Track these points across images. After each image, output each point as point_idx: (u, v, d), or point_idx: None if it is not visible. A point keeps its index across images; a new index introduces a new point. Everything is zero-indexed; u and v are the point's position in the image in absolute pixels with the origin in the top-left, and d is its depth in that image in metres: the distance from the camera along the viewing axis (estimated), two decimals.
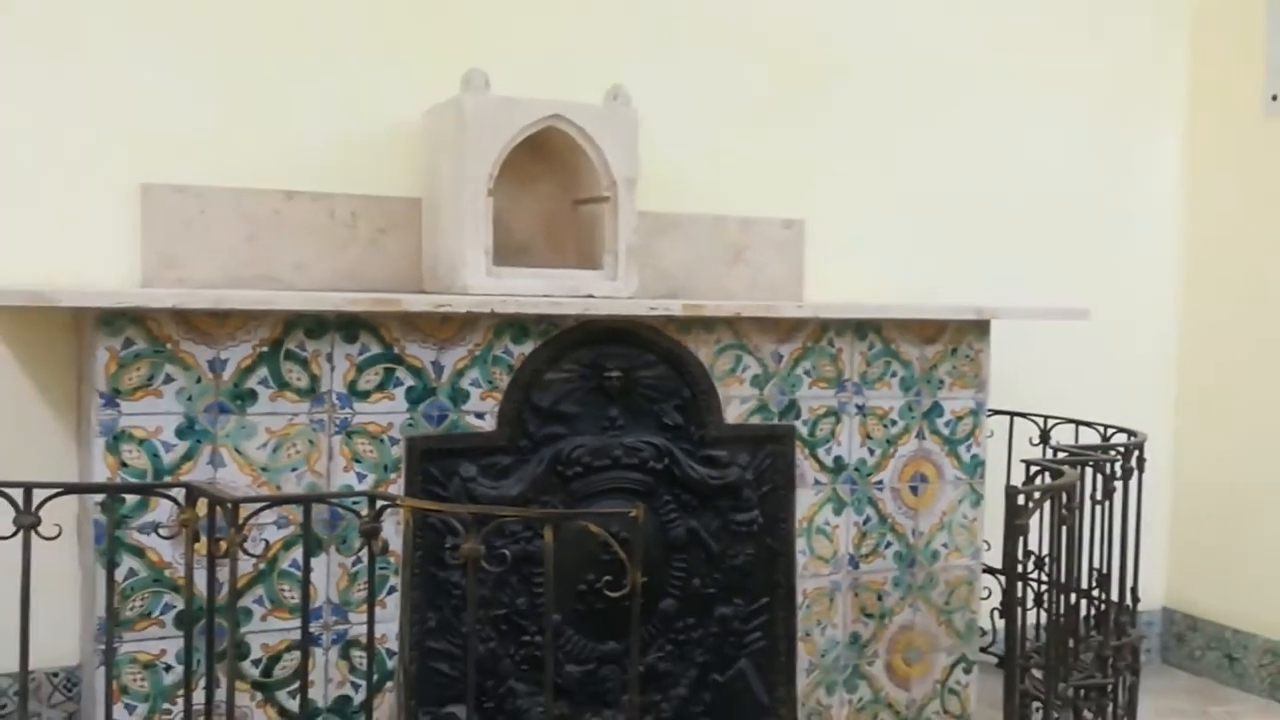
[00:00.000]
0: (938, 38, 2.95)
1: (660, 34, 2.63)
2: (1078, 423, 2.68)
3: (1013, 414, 2.78)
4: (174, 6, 2.23)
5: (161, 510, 1.86)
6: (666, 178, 2.54)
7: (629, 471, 2.22)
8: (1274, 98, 3.07)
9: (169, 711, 1.90)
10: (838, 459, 2.43)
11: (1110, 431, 2.60)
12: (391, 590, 2.04)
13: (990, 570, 2.63)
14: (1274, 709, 3.00)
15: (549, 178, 2.35)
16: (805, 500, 2.40)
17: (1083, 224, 3.15)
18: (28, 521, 1.62)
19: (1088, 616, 2.42)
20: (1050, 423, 2.72)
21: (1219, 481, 3.23)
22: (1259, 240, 3.13)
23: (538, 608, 2.14)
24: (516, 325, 2.12)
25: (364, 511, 1.73)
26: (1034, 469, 2.06)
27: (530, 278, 2.20)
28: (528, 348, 2.14)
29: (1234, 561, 3.19)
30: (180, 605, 1.86)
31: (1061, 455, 2.24)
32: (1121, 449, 2.38)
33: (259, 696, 1.97)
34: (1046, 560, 2.07)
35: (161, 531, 1.87)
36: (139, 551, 1.87)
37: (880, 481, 2.47)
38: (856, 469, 2.45)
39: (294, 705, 1.88)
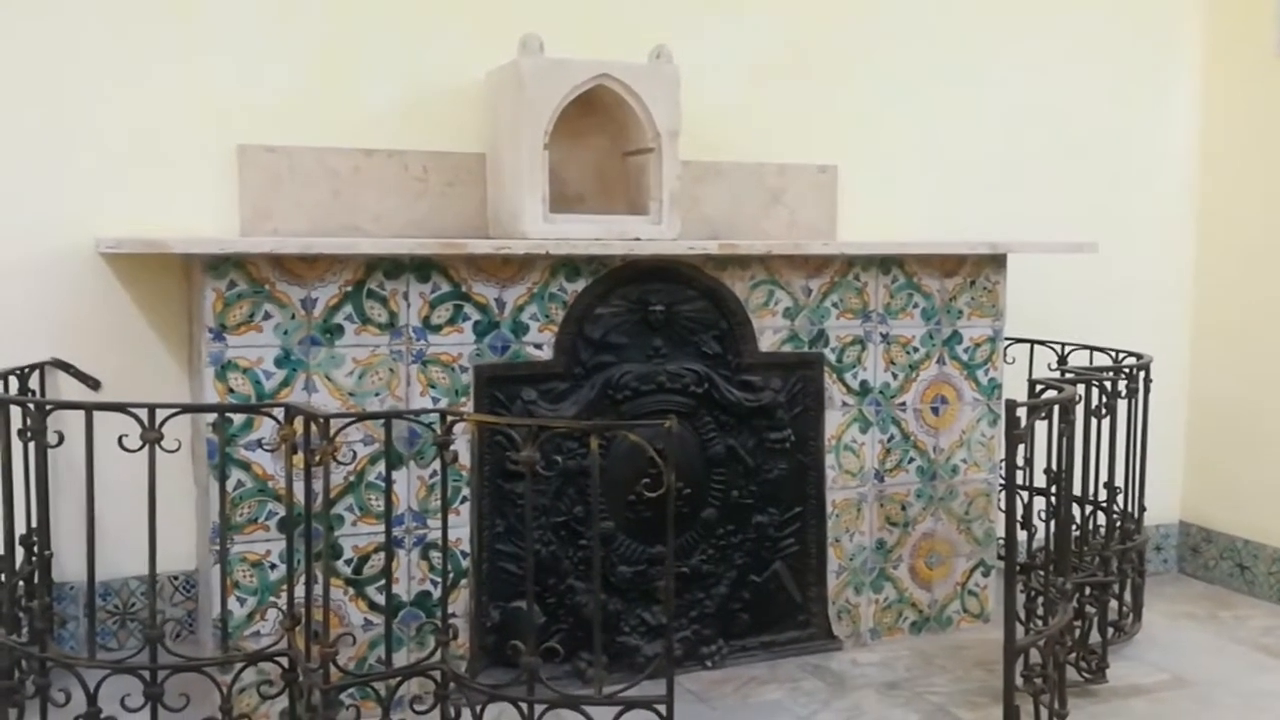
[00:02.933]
0: None
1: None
2: (1092, 348, 2.73)
3: (1032, 341, 2.84)
4: None
5: (264, 429, 2.02)
6: (708, 129, 2.61)
7: (672, 395, 2.32)
8: None
9: (274, 604, 2.06)
10: (863, 383, 2.51)
11: (1122, 356, 2.66)
12: (464, 499, 2.17)
13: (1006, 484, 2.70)
14: (1273, 611, 3.05)
15: (599, 132, 2.44)
16: (834, 420, 2.49)
17: (1103, 164, 3.15)
18: (153, 437, 1.79)
19: (1097, 526, 2.49)
20: (1067, 349, 2.78)
21: (1231, 403, 3.25)
22: (1271, 177, 3.13)
23: (585, 516, 2.26)
24: (570, 265, 2.23)
25: (437, 427, 1.89)
26: (1039, 387, 2.14)
27: (582, 223, 2.30)
28: (580, 285, 2.25)
29: (1246, 477, 3.22)
30: (282, 512, 2.02)
31: (1068, 375, 2.32)
32: (1122, 369, 2.44)
33: (351, 591, 2.12)
34: (1053, 470, 2.16)
35: (265, 446, 2.02)
36: (245, 465, 2.03)
37: (903, 403, 2.55)
38: (881, 392, 2.53)
39: (381, 599, 2.01)
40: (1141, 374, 2.52)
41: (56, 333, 2.25)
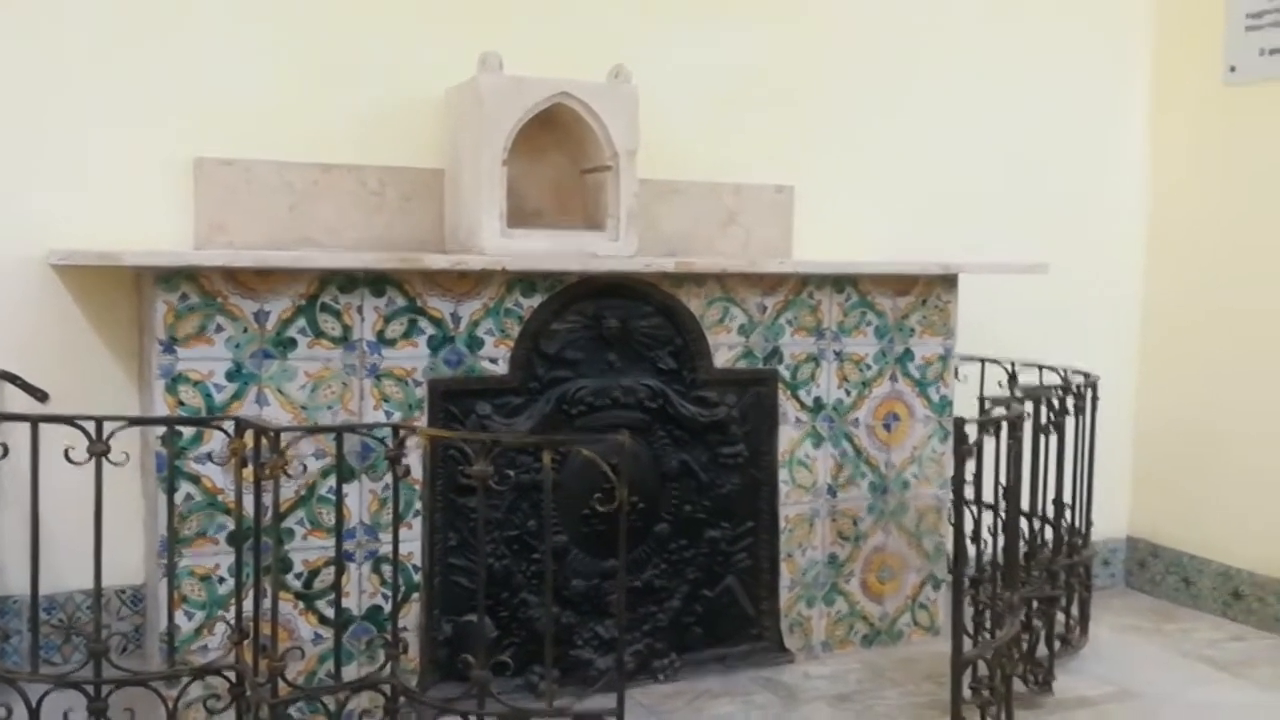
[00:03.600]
0: (914, 14, 2.98)
1: (659, 16, 2.68)
2: (1041, 366, 2.76)
3: (983, 359, 2.86)
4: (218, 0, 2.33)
5: (214, 442, 1.99)
6: (667, 148, 2.61)
7: (627, 410, 2.32)
8: (1232, 69, 3.11)
9: (222, 618, 2.02)
10: (817, 399, 2.52)
11: (1070, 374, 2.68)
12: (416, 513, 2.15)
13: (957, 499, 2.72)
14: (1223, 625, 3.08)
15: (558, 149, 2.43)
16: (787, 436, 2.50)
17: (1054, 186, 3.18)
18: (99, 450, 1.76)
19: (1045, 541, 2.51)
20: (1016, 366, 2.80)
21: (1178, 421, 3.29)
22: (1219, 201, 3.18)
23: (545, 529, 2.24)
24: (526, 281, 2.23)
25: (389, 441, 1.87)
26: (988, 404, 2.16)
27: (539, 239, 2.29)
28: (536, 301, 2.24)
29: (1192, 493, 3.26)
30: (231, 525, 1.99)
31: (1017, 393, 2.33)
32: (1070, 387, 2.46)
33: (301, 605, 2.09)
34: (1003, 486, 2.17)
35: (215, 460, 2.00)
36: (195, 479, 2.00)
37: (856, 419, 2.57)
38: (834, 408, 2.54)
39: (331, 613, 1.98)
40: (1089, 392, 2.54)
41: (4, 344, 2.21)
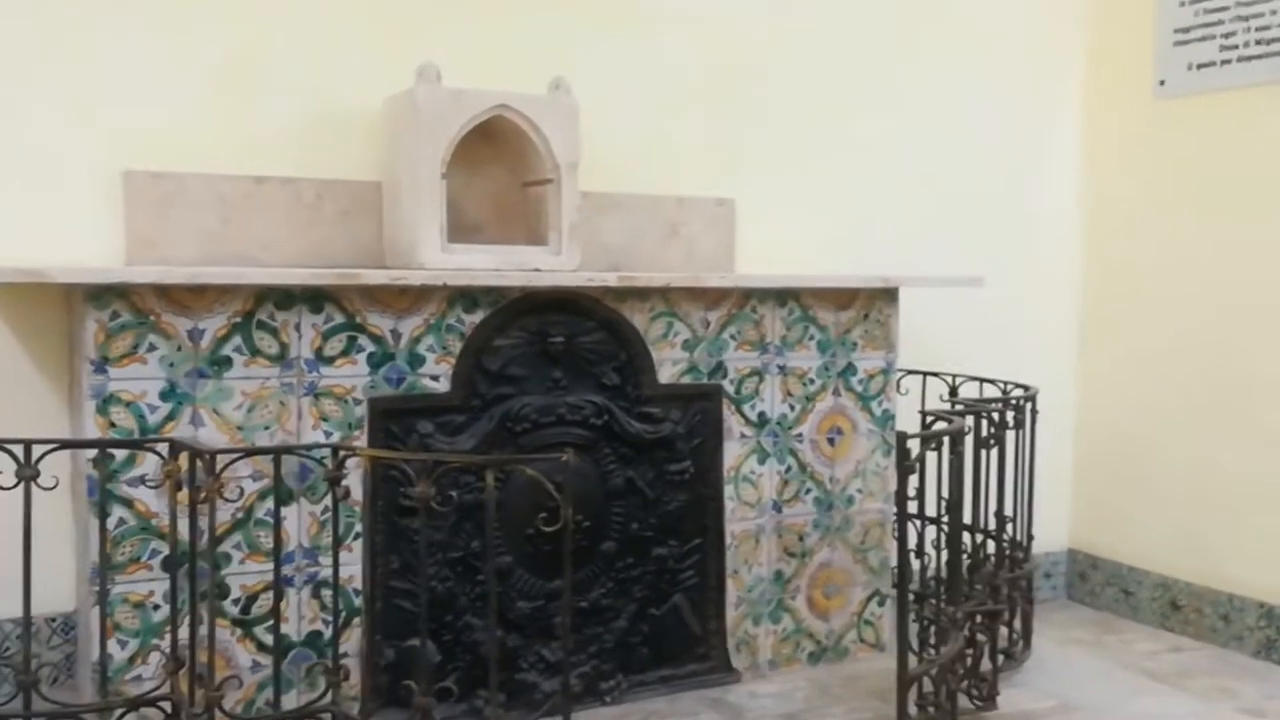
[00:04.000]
0: (853, 32, 3.02)
1: (601, 28, 2.69)
2: (982, 380, 2.81)
3: (924, 373, 2.92)
4: (149, 6, 2.29)
5: (147, 465, 1.96)
6: (609, 161, 2.63)
7: (572, 427, 2.33)
8: (1161, 83, 3.20)
9: (156, 646, 1.99)
10: (761, 414, 2.55)
11: (1010, 387, 2.74)
12: (356, 535, 2.13)
13: (901, 514, 2.76)
14: (1162, 636, 3.16)
15: (498, 162, 2.44)
16: (732, 451, 2.52)
17: (993, 202, 3.25)
18: (28, 474, 1.73)
19: (987, 555, 2.56)
20: (957, 380, 2.86)
21: (1117, 436, 3.37)
22: (1151, 214, 3.27)
23: (487, 550, 2.24)
24: (468, 296, 2.23)
25: (328, 462, 1.86)
26: (930, 418, 2.20)
27: (480, 253, 2.30)
28: (478, 317, 2.24)
29: (1130, 506, 3.33)
30: (166, 550, 1.96)
31: (958, 407, 2.38)
32: (1010, 400, 2.51)
33: (239, 632, 2.06)
34: (946, 501, 2.21)
35: (148, 483, 1.97)
36: (128, 502, 1.97)
37: (800, 434, 2.60)
38: (778, 423, 2.57)
39: (270, 639, 1.96)
40: (1028, 405, 2.60)
41: None
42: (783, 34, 2.94)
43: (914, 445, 1.96)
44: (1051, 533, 3.35)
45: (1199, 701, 2.62)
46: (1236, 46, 3.00)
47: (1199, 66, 3.10)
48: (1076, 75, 3.39)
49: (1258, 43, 2.96)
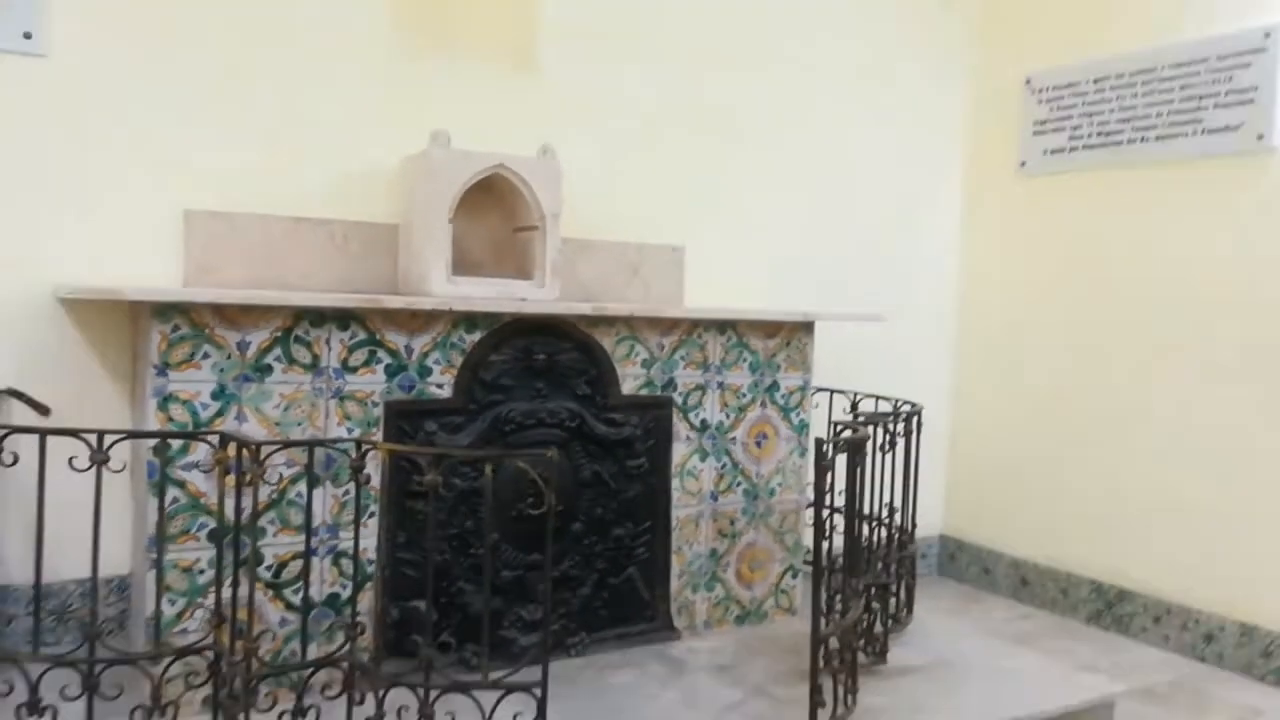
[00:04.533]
0: (783, 111, 3.07)
1: (581, 107, 2.71)
2: (877, 396, 2.85)
3: (832, 390, 2.95)
4: (216, 77, 2.27)
5: (199, 453, 1.93)
6: (585, 212, 2.64)
7: (550, 429, 2.32)
8: (1023, 163, 3.29)
9: (201, 604, 1.96)
10: (703, 421, 2.56)
11: (900, 403, 2.77)
12: (371, 514, 2.11)
13: (811, 504, 2.78)
14: (1015, 605, 3.22)
15: (495, 210, 2.44)
16: (679, 451, 2.52)
17: (895, 252, 3.31)
18: (101, 459, 1.69)
19: (880, 538, 2.59)
20: (858, 396, 2.90)
21: (981, 443, 3.44)
22: (1012, 267, 3.35)
23: (480, 528, 2.23)
24: (468, 319, 2.21)
25: (352, 454, 1.84)
26: (839, 427, 2.22)
27: (479, 285, 2.29)
28: (476, 336, 2.23)
29: (991, 501, 3.40)
30: (212, 524, 1.93)
31: (860, 419, 2.41)
32: (901, 414, 2.55)
33: (270, 594, 2.04)
34: (848, 493, 2.23)
35: (201, 468, 1.93)
36: (181, 484, 1.94)
37: (734, 438, 2.61)
38: (717, 429, 2.58)
39: (297, 600, 1.94)
40: (915, 418, 2.64)
41: (14, 367, 2.11)
42: (720, 109, 2.97)
43: (829, 450, 1.98)
44: (928, 521, 3.41)
45: (1045, 658, 2.67)
46: (1082, 137, 3.09)
47: (1052, 152, 3.19)
48: (958, 153, 3.46)
49: (1098, 134, 3.05)
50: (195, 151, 2.26)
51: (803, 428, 2.72)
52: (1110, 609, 3.02)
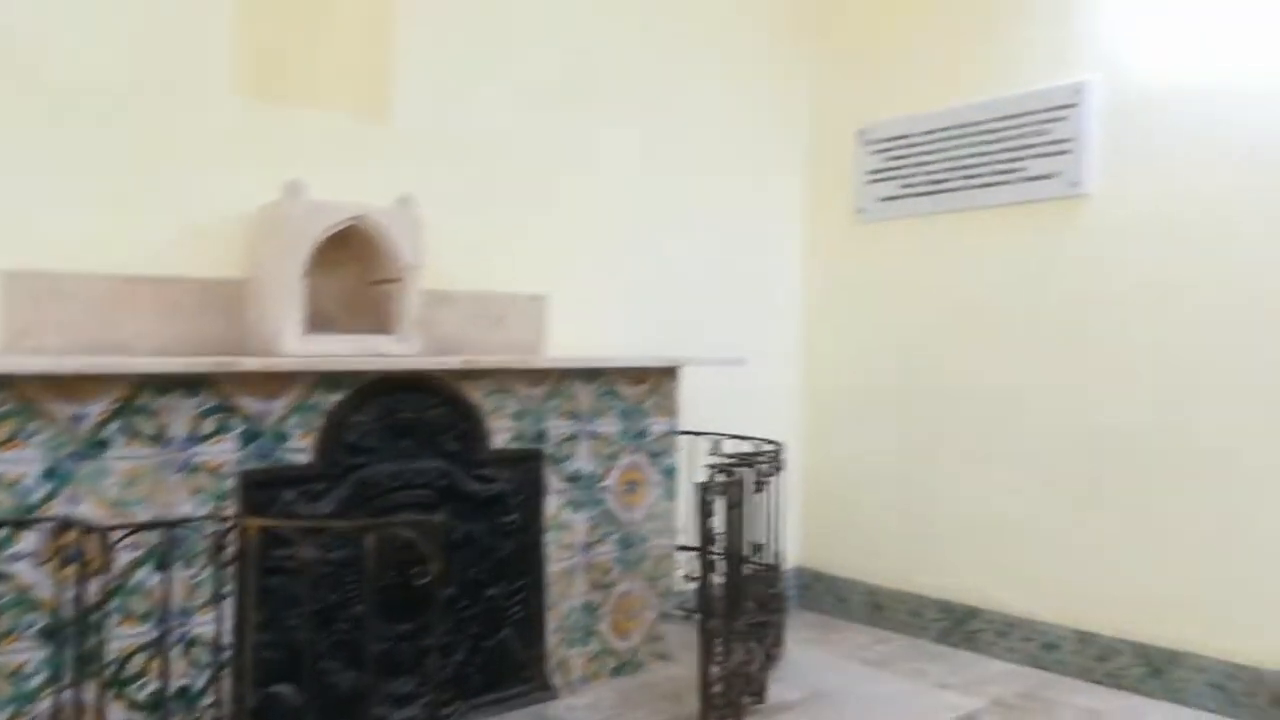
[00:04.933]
0: (635, 172, 3.09)
1: (437, 155, 2.63)
2: (737, 437, 2.88)
3: (694, 433, 2.96)
4: (43, 128, 2.06)
5: (26, 541, 1.71)
6: (444, 264, 2.55)
7: (418, 489, 2.22)
8: (859, 210, 3.45)
9: (29, 712, 1.73)
10: (575, 472, 2.52)
11: (762, 442, 2.82)
12: (225, 596, 1.94)
13: (681, 547, 2.79)
14: (869, 631, 3.32)
15: (351, 263, 2.32)
16: (552, 504, 2.47)
17: (744, 298, 3.39)
18: None
19: (750, 576, 2.61)
20: (720, 439, 2.92)
21: (832, 480, 3.55)
22: (853, 306, 3.50)
23: (345, 602, 2.09)
24: (328, 379, 2.09)
25: (210, 532, 1.68)
26: (714, 470, 2.23)
27: (335, 342, 2.17)
28: (337, 396, 2.11)
29: (843, 533, 3.51)
30: (42, 621, 1.72)
31: (733, 461, 2.43)
32: (771, 454, 2.60)
33: (112, 693, 1.82)
34: (721, 536, 2.23)
35: (32, 559, 1.71)
36: (6, 577, 1.71)
37: (605, 486, 2.58)
38: (588, 478, 2.55)
39: (143, 697, 1.75)
40: (779, 456, 2.69)
41: None
42: (582, 175, 2.96)
43: (709, 493, 1.98)
44: (786, 553, 3.47)
45: (904, 680, 2.77)
46: (913, 185, 3.28)
47: (885, 199, 3.36)
48: (800, 200, 3.60)
49: (928, 183, 3.25)
50: (18, 206, 2.03)
51: (671, 472, 2.72)
52: (959, 626, 3.17)
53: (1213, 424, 2.67)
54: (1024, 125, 2.96)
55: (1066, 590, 2.94)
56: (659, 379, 2.67)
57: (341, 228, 2.18)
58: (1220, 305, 2.66)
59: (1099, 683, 2.85)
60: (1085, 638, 2.90)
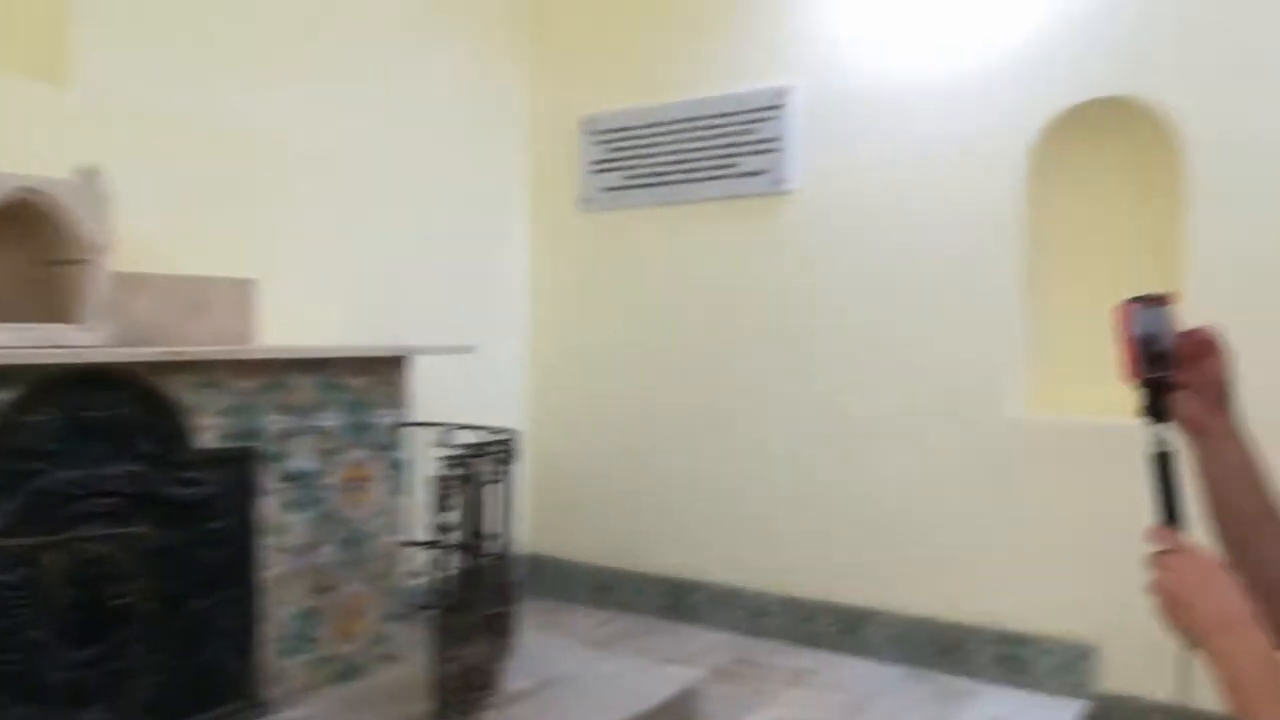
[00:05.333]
0: (363, 149, 2.96)
1: (128, 125, 2.38)
2: (466, 427, 2.83)
3: (423, 424, 2.88)
4: None
5: None
6: (139, 244, 2.30)
7: (108, 498, 1.97)
8: (584, 200, 3.51)
9: None
10: (294, 470, 2.36)
11: (494, 431, 2.79)
12: None
13: (410, 543, 2.70)
14: (595, 613, 3.41)
15: (23, 242, 2.03)
16: (268, 506, 2.30)
17: (474, 286, 3.35)
18: None
19: (484, 568, 2.58)
20: (449, 429, 2.86)
21: (558, 465, 3.60)
22: (580, 294, 3.55)
23: (14, 629, 1.83)
24: None
25: None
26: (451, 462, 2.18)
27: (6, 332, 1.89)
28: (7, 395, 1.83)
29: (569, 518, 3.58)
30: None
31: (468, 451, 2.39)
32: (506, 443, 2.58)
33: None
34: (457, 527, 2.20)
35: None
36: None
37: (328, 485, 2.44)
38: (309, 477, 2.39)
39: None
40: (514, 446, 2.68)
41: None
42: (298, 139, 2.78)
43: (445, 486, 1.94)
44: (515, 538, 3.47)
45: (630, 659, 2.87)
46: (635, 177, 3.38)
47: (609, 189, 3.44)
48: (525, 190, 3.60)
49: (646, 175, 3.35)
50: None
51: (399, 466, 2.63)
52: (679, 601, 3.32)
53: (900, 402, 2.98)
54: (734, 124, 3.14)
55: (773, 560, 3.17)
56: (386, 369, 2.56)
57: (8, 200, 1.89)
58: (905, 289, 2.96)
59: (805, 644, 3.10)
60: (789, 603, 3.14)
